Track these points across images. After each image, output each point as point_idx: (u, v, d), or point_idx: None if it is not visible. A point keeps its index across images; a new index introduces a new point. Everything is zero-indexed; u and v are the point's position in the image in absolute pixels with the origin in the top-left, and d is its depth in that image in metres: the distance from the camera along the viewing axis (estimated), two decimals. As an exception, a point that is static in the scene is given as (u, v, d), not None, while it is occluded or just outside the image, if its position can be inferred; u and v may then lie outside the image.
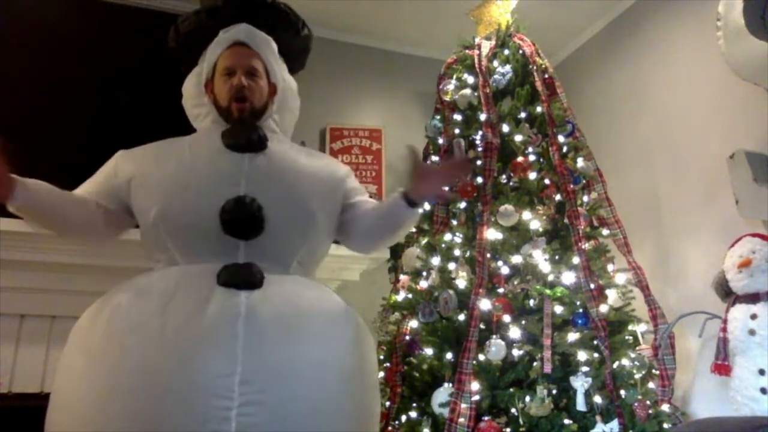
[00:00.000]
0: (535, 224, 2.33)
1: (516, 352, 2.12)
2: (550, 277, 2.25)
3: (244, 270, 1.45)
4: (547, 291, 2.19)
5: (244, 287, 1.42)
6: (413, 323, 2.37)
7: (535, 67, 2.63)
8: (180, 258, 1.52)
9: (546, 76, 2.67)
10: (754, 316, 1.99)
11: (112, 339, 1.38)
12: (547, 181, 2.48)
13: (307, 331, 1.43)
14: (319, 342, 1.43)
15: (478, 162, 2.49)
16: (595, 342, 2.14)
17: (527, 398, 2.03)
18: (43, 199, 1.52)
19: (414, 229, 2.72)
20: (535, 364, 2.08)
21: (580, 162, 2.52)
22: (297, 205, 1.59)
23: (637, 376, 2.12)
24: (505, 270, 2.29)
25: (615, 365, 2.12)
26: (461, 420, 1.97)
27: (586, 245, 2.31)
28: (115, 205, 1.63)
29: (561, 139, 2.53)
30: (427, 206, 2.66)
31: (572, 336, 2.15)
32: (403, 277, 2.61)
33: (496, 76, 2.64)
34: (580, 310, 2.21)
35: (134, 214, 1.64)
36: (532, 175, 2.45)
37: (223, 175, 1.56)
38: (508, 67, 2.65)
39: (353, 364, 1.48)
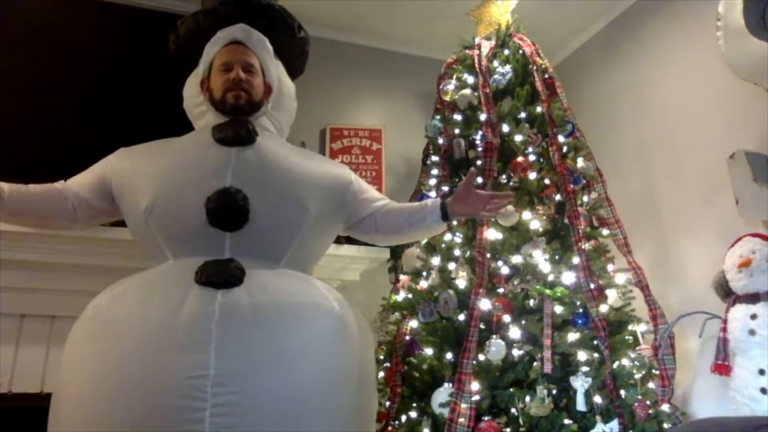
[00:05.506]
0: (535, 224, 2.33)
1: (516, 352, 2.12)
2: (550, 277, 2.25)
3: (223, 267, 1.44)
4: (547, 291, 2.19)
5: (222, 285, 1.40)
6: (413, 323, 2.37)
7: (535, 67, 2.63)
8: (169, 253, 1.52)
9: (546, 76, 2.67)
10: (754, 316, 1.98)
11: (92, 340, 1.40)
12: (547, 181, 2.48)
13: (285, 326, 1.41)
14: (296, 337, 1.41)
15: (478, 162, 2.49)
16: (595, 342, 2.14)
17: (527, 398, 2.03)
18: (17, 204, 1.60)
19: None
20: (535, 364, 2.08)
21: (580, 162, 2.52)
22: (285, 197, 1.58)
23: (637, 376, 2.12)
24: (505, 270, 2.29)
25: (615, 365, 2.12)
26: (461, 420, 1.97)
27: (586, 245, 2.31)
28: (99, 199, 1.67)
29: (561, 139, 2.53)
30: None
31: (572, 336, 2.15)
32: (403, 277, 2.60)
33: (496, 76, 2.63)
34: (580, 310, 2.21)
35: (121, 211, 1.67)
36: (532, 175, 2.44)
37: (209, 168, 1.56)
38: (508, 67, 2.65)
39: (335, 359, 1.45)
